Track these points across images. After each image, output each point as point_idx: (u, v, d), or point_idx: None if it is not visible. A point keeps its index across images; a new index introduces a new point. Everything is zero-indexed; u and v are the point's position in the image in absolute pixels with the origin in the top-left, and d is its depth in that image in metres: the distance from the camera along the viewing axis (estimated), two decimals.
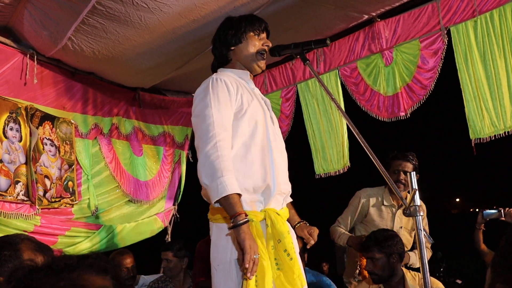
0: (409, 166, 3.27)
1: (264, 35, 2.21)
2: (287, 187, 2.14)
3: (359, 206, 3.39)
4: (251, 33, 2.17)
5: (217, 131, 1.88)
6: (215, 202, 1.85)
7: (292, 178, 2.19)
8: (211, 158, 1.84)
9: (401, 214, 3.29)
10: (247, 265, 1.74)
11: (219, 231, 2.01)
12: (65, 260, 0.90)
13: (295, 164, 2.34)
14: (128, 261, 3.84)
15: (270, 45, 2.21)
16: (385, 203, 3.34)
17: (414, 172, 2.06)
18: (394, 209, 3.33)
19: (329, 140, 3.93)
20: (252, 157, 2.00)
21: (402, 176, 3.25)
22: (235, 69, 2.19)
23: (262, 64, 2.21)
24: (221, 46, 2.21)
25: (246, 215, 1.82)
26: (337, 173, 3.88)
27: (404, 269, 2.87)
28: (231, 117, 1.99)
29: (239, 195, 1.86)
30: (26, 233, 3.30)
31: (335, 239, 3.40)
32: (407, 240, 3.30)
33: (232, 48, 2.18)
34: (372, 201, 3.36)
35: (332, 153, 3.91)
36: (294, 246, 2.01)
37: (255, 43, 2.17)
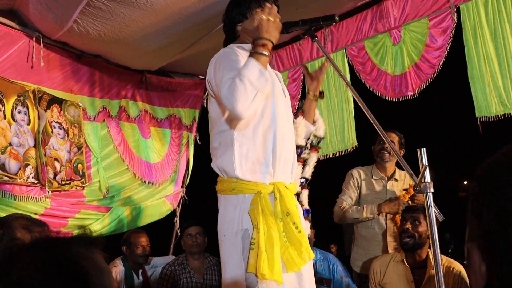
0: (393, 136, 3.35)
1: (274, 8, 2.17)
2: (293, 157, 2.16)
3: (354, 181, 3.44)
4: (258, 9, 2.13)
5: (228, 80, 1.92)
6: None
7: None
8: (234, 90, 1.87)
9: (392, 186, 3.33)
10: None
11: (226, 202, 2.04)
12: (51, 235, 0.91)
13: None
14: (143, 240, 3.92)
15: (278, 18, 2.17)
16: (374, 177, 3.40)
17: (423, 150, 2.03)
18: (384, 181, 3.37)
19: (330, 122, 3.91)
20: (260, 129, 2.02)
21: (386, 144, 3.28)
22: (243, 44, 2.18)
23: None
24: (229, 23, 2.20)
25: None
26: (336, 155, 3.89)
27: (428, 249, 2.88)
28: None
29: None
30: (37, 216, 3.34)
31: (348, 217, 3.34)
32: None
33: (239, 24, 2.17)
34: (363, 175, 3.45)
35: (332, 135, 3.90)
36: (301, 221, 2.04)
37: (262, 17, 2.14)
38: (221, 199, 2.08)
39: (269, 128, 2.03)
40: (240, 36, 2.19)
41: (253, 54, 1.96)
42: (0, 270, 0.83)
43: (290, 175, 2.13)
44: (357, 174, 3.47)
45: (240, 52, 2.08)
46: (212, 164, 2.11)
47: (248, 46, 2.14)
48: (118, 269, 3.81)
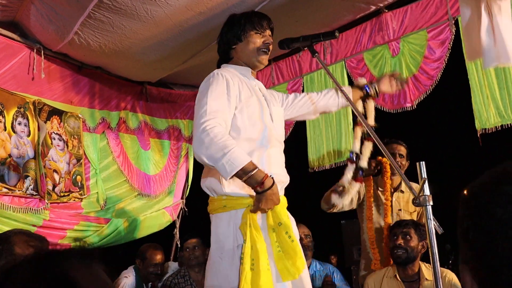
0: (403, 150, 3.34)
1: (266, 32, 2.21)
2: (284, 178, 2.18)
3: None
4: (252, 32, 2.18)
5: (208, 117, 1.93)
6: (230, 178, 1.87)
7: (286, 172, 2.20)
8: (205, 142, 1.88)
9: (398, 197, 3.32)
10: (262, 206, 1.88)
11: (218, 220, 2.06)
12: (49, 252, 0.91)
13: (291, 157, 2.36)
14: (159, 258, 3.80)
15: (271, 41, 2.22)
16: (380, 188, 3.37)
17: (423, 163, 2.04)
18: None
19: (327, 133, 3.92)
20: (249, 150, 2.04)
21: (398, 158, 3.29)
22: (237, 66, 2.22)
23: (264, 59, 2.22)
24: (223, 44, 2.25)
25: (271, 176, 1.88)
26: (332, 167, 3.88)
27: (420, 262, 2.88)
28: (226, 107, 2.03)
29: (251, 161, 1.87)
30: (35, 228, 3.34)
31: (328, 193, 3.24)
32: None
33: (234, 46, 2.21)
34: None
35: (329, 146, 3.91)
36: (294, 231, 2.06)
37: (256, 40, 2.17)
38: (213, 219, 2.09)
39: (258, 150, 2.06)
40: (233, 57, 2.22)
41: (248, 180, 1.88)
42: None
43: (280, 190, 2.13)
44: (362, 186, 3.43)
45: (232, 78, 2.10)
46: (201, 185, 2.14)
47: (242, 68, 2.19)
48: (129, 281, 3.73)
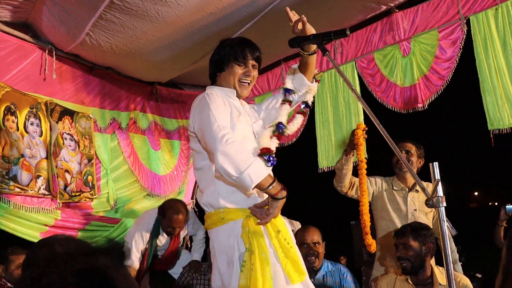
0: (409, 146, 3.30)
1: (249, 63, 2.21)
2: None
3: (372, 179, 3.37)
4: (233, 63, 2.19)
5: (224, 131, 1.96)
6: (253, 189, 1.93)
7: (296, 172, 2.20)
8: (230, 155, 1.90)
9: (413, 197, 3.30)
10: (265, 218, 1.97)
11: (217, 234, 2.09)
12: (83, 245, 0.92)
13: (300, 158, 2.35)
14: (178, 219, 3.45)
15: (253, 74, 2.22)
16: (395, 187, 3.35)
17: (436, 164, 2.02)
18: (404, 192, 3.32)
19: (337, 133, 3.91)
20: None
21: (404, 155, 3.25)
22: (222, 87, 2.23)
23: (244, 92, 2.23)
24: (211, 67, 2.28)
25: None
26: None
27: (432, 264, 2.85)
28: (229, 123, 2.07)
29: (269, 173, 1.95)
30: (47, 227, 3.37)
31: (337, 172, 3.29)
32: (424, 222, 3.29)
33: (218, 74, 2.23)
34: (385, 186, 3.38)
35: (339, 147, 3.89)
36: (291, 237, 2.10)
37: (237, 72, 2.19)
38: (212, 234, 2.12)
39: None
40: (217, 82, 2.25)
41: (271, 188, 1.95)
42: (36, 275, 0.85)
43: None
44: (380, 181, 3.41)
45: (222, 98, 2.12)
46: (199, 201, 2.18)
47: (227, 90, 2.20)
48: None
